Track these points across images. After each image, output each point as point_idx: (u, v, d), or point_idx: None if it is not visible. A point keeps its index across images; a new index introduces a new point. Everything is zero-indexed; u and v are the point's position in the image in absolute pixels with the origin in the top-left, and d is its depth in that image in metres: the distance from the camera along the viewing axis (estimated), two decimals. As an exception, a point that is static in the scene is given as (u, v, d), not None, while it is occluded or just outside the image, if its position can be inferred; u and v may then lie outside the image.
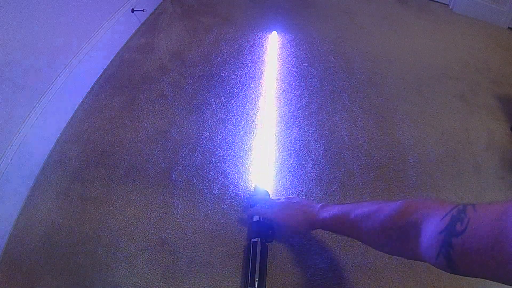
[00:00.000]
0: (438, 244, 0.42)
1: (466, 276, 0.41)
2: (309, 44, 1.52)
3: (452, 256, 0.40)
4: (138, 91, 1.27)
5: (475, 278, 0.39)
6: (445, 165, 1.10)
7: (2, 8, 0.85)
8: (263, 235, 0.85)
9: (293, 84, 1.33)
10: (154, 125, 1.16)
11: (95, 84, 1.29)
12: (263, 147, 1.10)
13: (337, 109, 1.24)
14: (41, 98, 1.04)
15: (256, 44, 1.50)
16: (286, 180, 1.03)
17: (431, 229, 0.45)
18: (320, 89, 1.31)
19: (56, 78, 1.10)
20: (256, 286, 0.77)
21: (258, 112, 1.21)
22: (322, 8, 1.78)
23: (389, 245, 0.57)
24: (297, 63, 1.42)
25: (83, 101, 1.23)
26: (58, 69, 1.11)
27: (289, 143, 1.13)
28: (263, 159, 1.06)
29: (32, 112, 1.01)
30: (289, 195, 0.99)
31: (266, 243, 0.86)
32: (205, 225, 0.92)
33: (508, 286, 0.36)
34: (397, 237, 0.53)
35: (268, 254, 0.85)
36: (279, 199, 0.89)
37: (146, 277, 0.82)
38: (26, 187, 0.98)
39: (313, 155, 1.09)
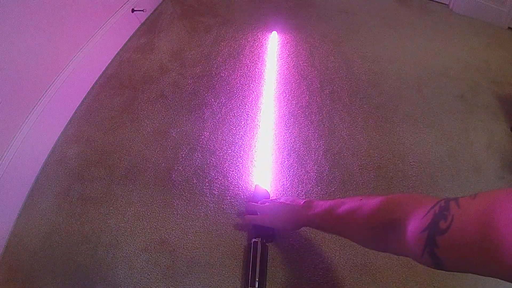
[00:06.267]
0: (422, 243, 0.42)
1: (453, 271, 0.41)
2: (309, 44, 1.52)
3: (437, 254, 0.40)
4: (138, 91, 1.27)
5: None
6: (445, 165, 1.10)
7: (3, 8, 0.85)
8: (263, 235, 0.86)
9: (293, 84, 1.33)
10: (154, 125, 1.16)
11: (95, 84, 1.29)
12: (263, 147, 1.10)
13: (337, 109, 1.24)
14: (41, 98, 1.04)
15: (256, 44, 1.50)
16: (286, 180, 1.03)
17: (413, 228, 0.45)
18: (320, 89, 1.31)
19: (56, 78, 1.10)
20: (256, 286, 0.77)
21: (258, 112, 1.21)
22: (322, 8, 1.78)
23: (375, 244, 0.58)
24: (297, 63, 1.42)
25: (83, 101, 1.23)
26: (57, 69, 1.11)
27: (289, 143, 1.13)
28: (263, 159, 1.06)
29: (32, 112, 1.01)
30: (288, 195, 0.99)
31: (266, 243, 0.86)
32: (205, 225, 0.92)
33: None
34: (380, 236, 0.53)
35: (268, 254, 0.85)
36: (264, 203, 0.88)
37: (146, 277, 0.82)
38: (26, 187, 0.98)
39: (313, 155, 1.09)
